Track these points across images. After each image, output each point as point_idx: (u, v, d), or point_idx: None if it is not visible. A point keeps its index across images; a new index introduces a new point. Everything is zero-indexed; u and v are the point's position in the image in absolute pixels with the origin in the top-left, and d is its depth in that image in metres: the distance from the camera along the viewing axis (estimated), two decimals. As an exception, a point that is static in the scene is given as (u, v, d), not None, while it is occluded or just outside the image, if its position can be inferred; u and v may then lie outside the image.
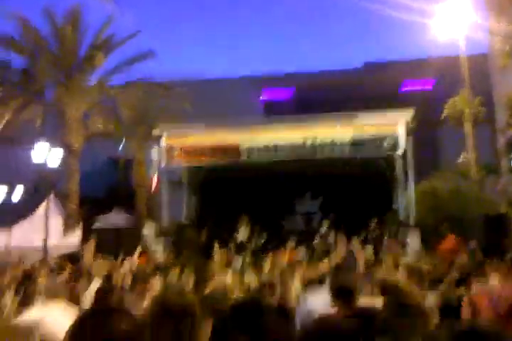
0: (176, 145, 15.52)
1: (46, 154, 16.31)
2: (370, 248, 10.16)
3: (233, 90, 38.27)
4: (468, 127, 19.22)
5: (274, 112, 38.36)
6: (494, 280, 5.71)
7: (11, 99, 18.94)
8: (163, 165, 15.86)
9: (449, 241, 11.35)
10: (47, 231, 12.84)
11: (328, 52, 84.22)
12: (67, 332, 1.60)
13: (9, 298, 7.62)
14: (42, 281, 7.87)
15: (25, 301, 7.61)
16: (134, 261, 8.46)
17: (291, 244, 12.51)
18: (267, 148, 15.24)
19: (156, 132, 16.14)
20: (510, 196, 14.97)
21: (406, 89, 39.90)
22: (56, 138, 18.71)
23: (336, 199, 16.05)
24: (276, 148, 15.17)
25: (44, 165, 16.22)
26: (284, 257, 9.20)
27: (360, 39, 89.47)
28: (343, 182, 16.04)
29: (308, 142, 14.94)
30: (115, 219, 16.83)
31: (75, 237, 13.49)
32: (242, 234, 14.64)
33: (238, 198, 16.28)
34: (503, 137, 15.76)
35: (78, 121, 19.04)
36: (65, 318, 2.82)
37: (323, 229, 14.74)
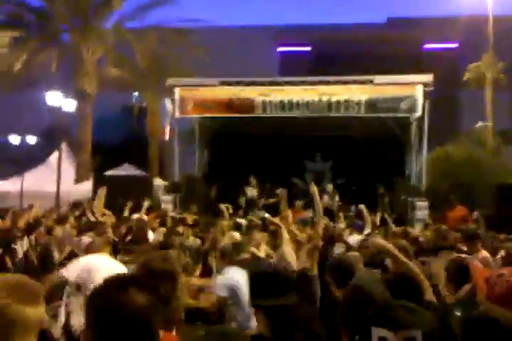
0: (189, 98, 15.30)
1: (61, 99, 16.27)
2: (378, 214, 10.16)
3: (250, 40, 37.41)
4: (488, 93, 18.71)
5: (291, 64, 37.62)
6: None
7: (27, 40, 18.69)
8: (175, 116, 15.72)
9: (459, 210, 11.33)
10: (59, 179, 12.99)
11: (350, 5, 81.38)
12: (86, 304, 1.61)
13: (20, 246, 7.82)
14: (52, 229, 8.04)
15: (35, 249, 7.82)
16: (141, 216, 8.54)
17: (298, 203, 12.54)
18: (282, 104, 15.00)
19: (169, 82, 15.90)
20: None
21: (429, 47, 38.70)
22: (71, 84, 18.61)
23: (347, 160, 15.96)
24: (291, 104, 14.93)
25: (59, 109, 16.20)
26: (290, 217, 9.22)
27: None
28: (356, 142, 15.90)
29: (324, 99, 14.68)
30: (127, 169, 16.94)
31: (87, 185, 13.64)
32: (252, 191, 14.72)
33: (250, 154, 16.25)
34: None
35: (93, 65, 18.83)
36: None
37: (330, 191, 14.75)
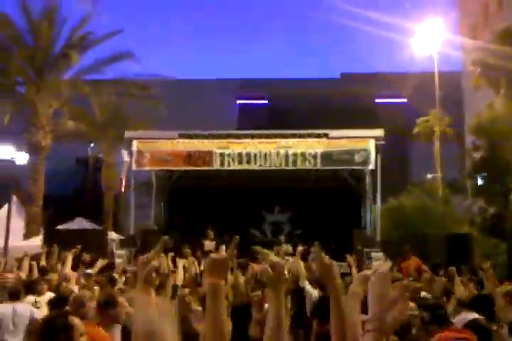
0: (147, 150, 15.32)
1: (13, 152, 16.00)
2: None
3: (209, 93, 38.20)
4: (437, 146, 19.59)
5: (250, 117, 38.46)
6: None
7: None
8: (133, 169, 15.63)
9: (413, 260, 11.50)
10: (8, 234, 12.51)
11: (306, 61, 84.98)
12: None
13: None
14: None
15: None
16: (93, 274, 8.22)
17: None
18: (239, 157, 15.18)
19: (127, 135, 15.92)
20: (473, 216, 15.31)
21: (380, 102, 40.47)
22: (24, 136, 18.29)
23: (305, 211, 16.13)
24: (249, 156, 15.13)
25: (10, 162, 15.87)
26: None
27: (338, 52, 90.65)
28: (313, 194, 16.16)
29: (281, 152, 14.98)
30: (80, 223, 16.51)
31: (37, 240, 13.15)
32: (210, 243, 14.54)
33: (208, 206, 16.20)
34: (469, 158, 16.12)
35: (49, 119, 18.61)
36: None
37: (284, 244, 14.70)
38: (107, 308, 3.90)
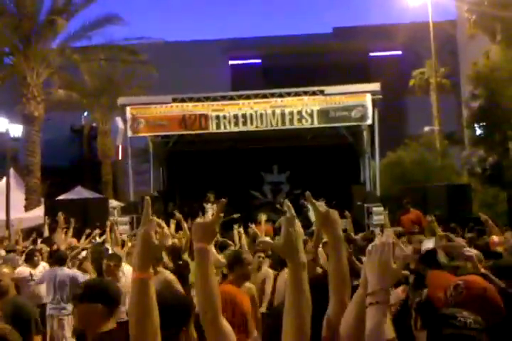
0: (141, 116, 15.12)
1: (6, 124, 15.83)
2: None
3: (200, 54, 37.50)
4: (433, 98, 19.36)
5: (243, 77, 37.87)
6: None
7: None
8: (128, 135, 15.48)
9: (413, 213, 11.58)
10: (8, 207, 12.54)
11: (296, 17, 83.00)
12: None
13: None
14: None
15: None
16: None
17: (262, 217, 12.42)
18: (235, 118, 15.02)
19: (120, 101, 15.68)
20: (472, 167, 15.32)
21: (375, 54, 39.78)
22: (17, 108, 18.07)
23: (303, 170, 16.13)
24: (245, 117, 14.97)
25: (5, 135, 15.74)
26: (260, 230, 9.19)
27: (329, 5, 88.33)
28: (311, 152, 16.12)
29: (277, 112, 14.81)
30: (80, 193, 16.53)
31: (39, 211, 13.19)
32: (211, 207, 14.60)
33: (206, 170, 16.20)
34: (466, 109, 15.95)
35: (39, 89, 18.31)
36: None
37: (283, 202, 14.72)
38: (236, 266, 4.15)
